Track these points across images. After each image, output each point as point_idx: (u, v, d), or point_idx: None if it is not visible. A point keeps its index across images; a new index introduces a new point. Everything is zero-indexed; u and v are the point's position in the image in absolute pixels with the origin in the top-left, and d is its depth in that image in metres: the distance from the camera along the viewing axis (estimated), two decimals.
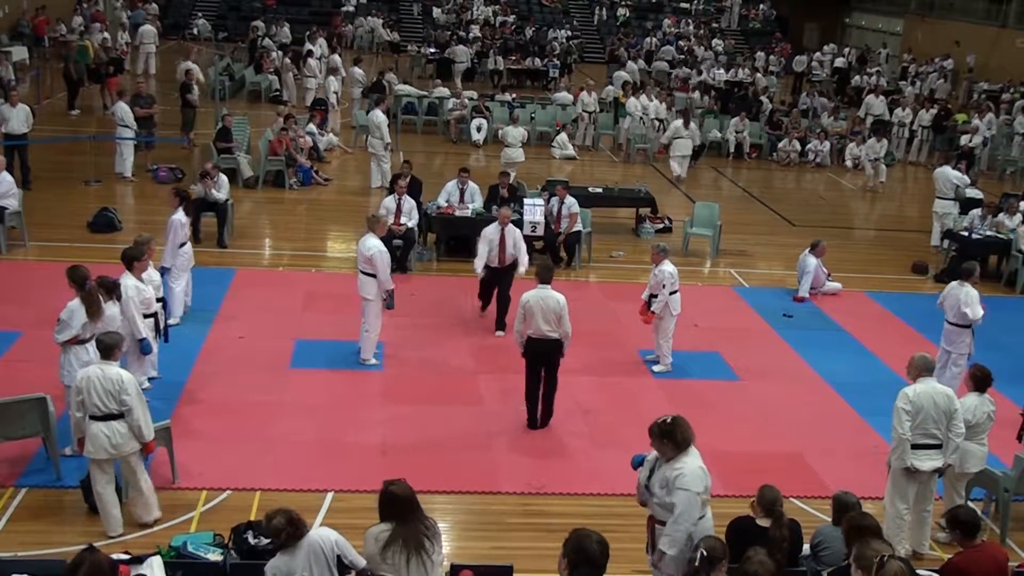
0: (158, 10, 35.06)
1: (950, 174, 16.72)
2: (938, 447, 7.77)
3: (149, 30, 29.17)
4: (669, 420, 6.19)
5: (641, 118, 23.32)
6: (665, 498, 6.15)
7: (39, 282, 12.31)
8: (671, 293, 11.03)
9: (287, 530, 5.60)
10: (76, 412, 7.59)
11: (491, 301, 12.40)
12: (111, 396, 7.31)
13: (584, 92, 24.11)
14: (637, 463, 6.52)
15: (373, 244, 10.65)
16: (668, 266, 11.03)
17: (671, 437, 6.14)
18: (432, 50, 33.36)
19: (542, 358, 9.47)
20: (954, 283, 10.79)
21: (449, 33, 35.61)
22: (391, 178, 16.51)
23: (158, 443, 8.27)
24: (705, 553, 5.57)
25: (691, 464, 6.11)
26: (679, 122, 21.48)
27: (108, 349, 7.48)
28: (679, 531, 6.07)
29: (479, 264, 11.92)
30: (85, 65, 24.78)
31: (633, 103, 23.47)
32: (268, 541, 6.67)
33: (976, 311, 10.51)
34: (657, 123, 23.37)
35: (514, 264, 12.00)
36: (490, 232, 11.97)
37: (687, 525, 6.06)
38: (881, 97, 26.85)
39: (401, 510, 5.76)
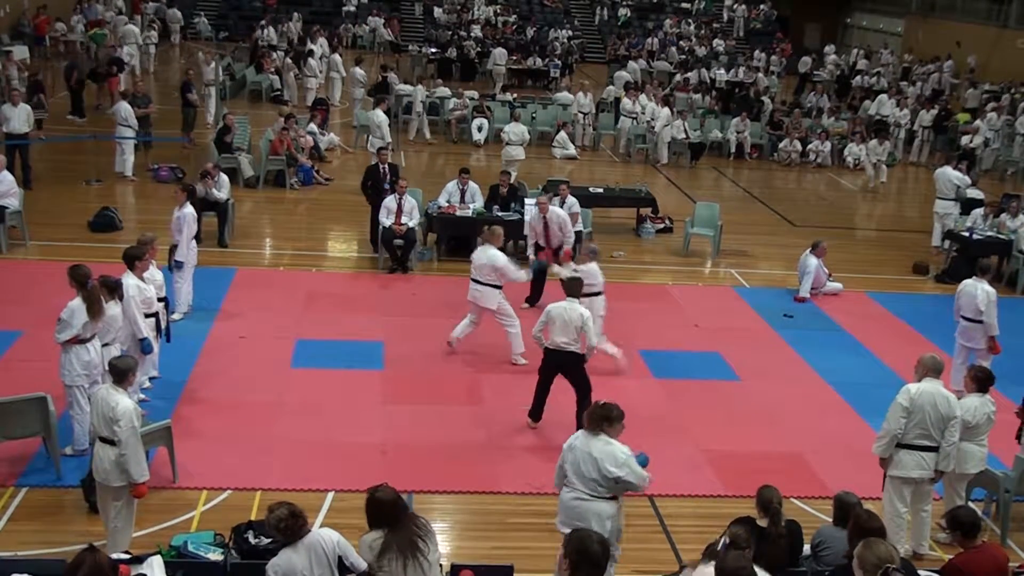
0: (153, 11, 35.07)
1: (951, 174, 16.70)
2: (935, 449, 7.77)
3: (131, 30, 29.07)
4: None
5: (636, 118, 23.29)
6: None
7: (39, 282, 12.31)
8: (595, 294, 11.00)
9: (287, 522, 5.56)
10: (88, 427, 7.53)
11: (540, 296, 12.78)
12: (106, 422, 6.93)
13: (580, 93, 24.12)
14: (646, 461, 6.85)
15: (497, 254, 11.10)
16: (593, 267, 11.09)
17: None
18: (433, 50, 33.38)
19: (557, 368, 9.57)
20: (969, 280, 10.81)
21: (450, 33, 35.65)
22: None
23: (158, 443, 8.31)
24: (728, 540, 5.67)
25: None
26: (665, 110, 22.74)
27: (120, 374, 7.08)
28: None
29: (530, 250, 12.82)
30: (99, 46, 24.72)
31: (628, 103, 23.42)
32: (269, 541, 6.66)
33: (992, 315, 10.54)
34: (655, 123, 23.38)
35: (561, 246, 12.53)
36: (533, 220, 12.85)
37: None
38: (893, 99, 26.79)
39: (389, 515, 5.71)
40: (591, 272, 10.98)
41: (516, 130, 19.85)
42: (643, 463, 6.76)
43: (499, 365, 11.16)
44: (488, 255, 11.08)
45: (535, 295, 12.87)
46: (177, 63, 31.88)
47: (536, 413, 9.76)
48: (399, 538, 5.65)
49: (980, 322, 10.67)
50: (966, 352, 10.84)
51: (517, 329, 11.24)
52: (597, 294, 11.07)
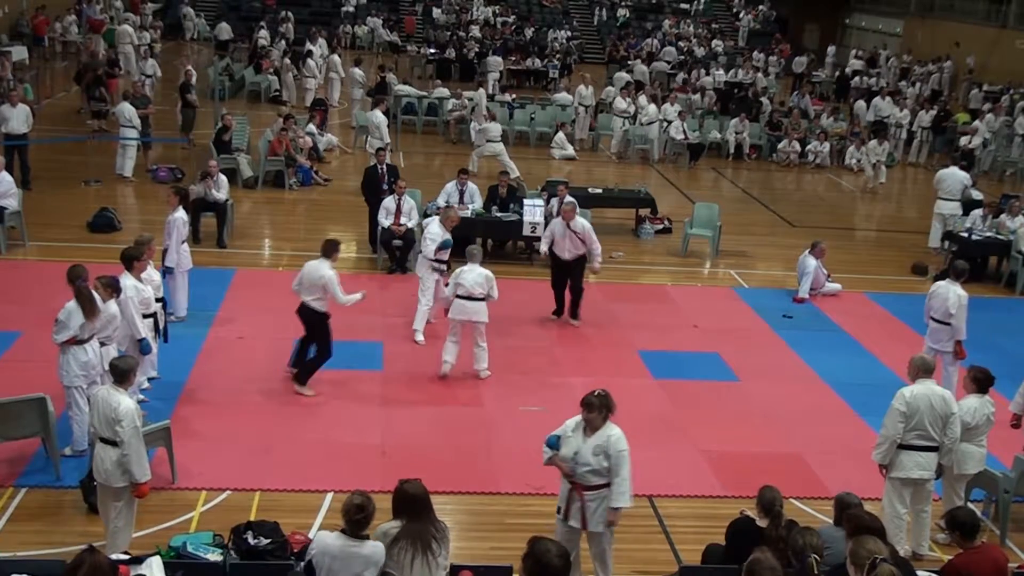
0: (151, 12, 35.07)
1: (959, 175, 16.58)
2: (934, 449, 7.78)
3: (124, 30, 29.00)
4: (604, 392, 6.84)
5: (631, 118, 23.21)
6: (602, 463, 6.74)
7: (39, 282, 12.30)
8: (471, 298, 10.57)
9: (355, 516, 5.63)
10: (88, 428, 7.54)
11: (564, 303, 12.62)
12: (107, 423, 6.92)
13: (582, 86, 24.08)
14: (554, 443, 6.93)
15: (436, 231, 11.60)
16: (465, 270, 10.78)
17: (610, 408, 6.79)
18: (432, 50, 33.40)
19: (304, 324, 10.24)
20: (943, 282, 10.72)
21: (449, 34, 35.65)
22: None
23: (157, 443, 8.30)
24: (818, 558, 5.76)
25: (617, 429, 6.82)
26: (652, 107, 22.91)
27: (121, 374, 7.07)
28: (628, 484, 6.78)
29: (543, 246, 12.66)
30: (110, 45, 24.69)
31: (621, 103, 23.35)
32: (268, 541, 6.68)
33: (962, 319, 10.39)
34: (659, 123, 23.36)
35: (583, 257, 12.31)
36: (555, 224, 12.52)
37: (630, 478, 6.79)
38: (888, 99, 26.75)
39: (412, 508, 5.80)
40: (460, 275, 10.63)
41: (495, 127, 20.07)
42: (548, 441, 6.96)
43: (498, 366, 11.15)
44: (430, 230, 11.63)
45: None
46: (175, 63, 31.85)
47: (292, 361, 10.49)
48: (415, 532, 5.73)
49: (949, 324, 10.52)
50: (934, 355, 10.68)
51: (423, 308, 11.66)
52: (474, 299, 10.50)
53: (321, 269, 9.96)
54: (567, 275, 12.46)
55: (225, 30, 33.48)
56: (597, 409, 6.74)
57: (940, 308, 10.56)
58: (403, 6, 40.49)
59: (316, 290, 9.96)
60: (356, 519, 5.64)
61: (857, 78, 33.32)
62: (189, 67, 21.99)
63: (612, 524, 6.90)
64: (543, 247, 12.69)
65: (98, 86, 20.84)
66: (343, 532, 5.70)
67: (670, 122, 23.15)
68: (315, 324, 10.14)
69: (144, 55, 26.49)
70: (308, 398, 10.10)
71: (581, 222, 12.37)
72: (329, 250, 10.17)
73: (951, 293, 10.47)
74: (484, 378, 10.76)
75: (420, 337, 11.58)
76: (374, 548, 5.68)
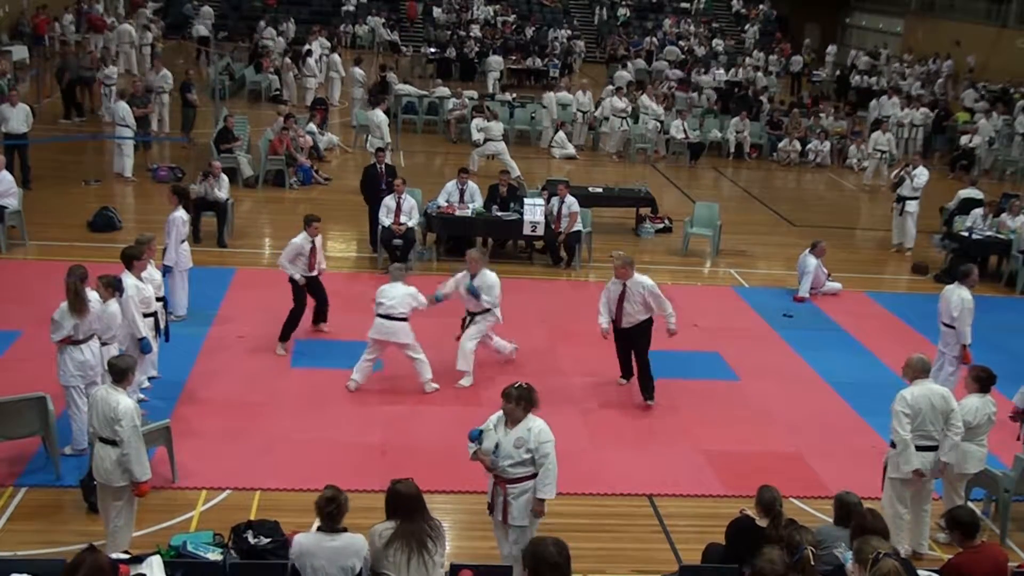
0: (151, 12, 35.01)
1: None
2: (935, 448, 7.79)
3: (125, 30, 28.94)
4: (525, 385, 6.80)
5: (623, 119, 23.17)
6: (523, 455, 6.73)
7: (39, 281, 12.29)
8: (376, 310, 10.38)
9: (322, 504, 5.71)
10: (88, 427, 7.56)
11: (631, 367, 10.79)
12: (107, 422, 6.91)
13: (580, 91, 24.09)
14: (475, 436, 6.91)
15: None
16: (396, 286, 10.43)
17: (531, 400, 6.76)
18: (432, 50, 33.40)
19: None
20: (951, 285, 10.66)
21: (449, 33, 35.65)
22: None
23: (158, 443, 8.31)
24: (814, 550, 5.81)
25: (540, 421, 6.79)
26: (615, 101, 23.10)
27: (120, 373, 7.07)
28: (552, 475, 6.75)
29: (602, 320, 10.53)
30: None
31: (618, 103, 23.28)
32: (268, 540, 6.67)
33: (965, 322, 10.28)
34: (657, 124, 23.36)
35: (648, 321, 10.46)
36: (610, 287, 10.54)
37: (555, 470, 6.75)
38: (895, 99, 26.69)
39: (405, 508, 5.82)
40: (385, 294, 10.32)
41: (496, 127, 20.11)
42: (470, 435, 6.92)
43: (498, 366, 11.15)
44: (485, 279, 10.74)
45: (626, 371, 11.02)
46: (176, 63, 31.87)
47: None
48: (409, 531, 5.75)
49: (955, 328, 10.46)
50: (943, 358, 10.64)
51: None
52: (394, 319, 10.17)
53: (296, 239, 11.06)
54: (630, 344, 10.59)
55: (205, 27, 33.38)
56: (515, 400, 6.69)
57: (946, 311, 10.49)
58: (402, 6, 40.47)
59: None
60: (328, 511, 5.71)
61: (857, 77, 33.27)
62: (162, 70, 21.86)
63: (538, 515, 6.86)
64: (603, 322, 10.47)
65: (75, 89, 20.65)
66: (319, 529, 5.75)
67: (662, 122, 23.17)
68: (291, 287, 11.25)
69: (139, 58, 26.49)
70: (310, 398, 10.09)
71: (641, 281, 10.31)
72: (304, 223, 11.19)
73: (954, 296, 10.40)
74: (430, 392, 10.32)
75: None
76: (350, 539, 5.72)
